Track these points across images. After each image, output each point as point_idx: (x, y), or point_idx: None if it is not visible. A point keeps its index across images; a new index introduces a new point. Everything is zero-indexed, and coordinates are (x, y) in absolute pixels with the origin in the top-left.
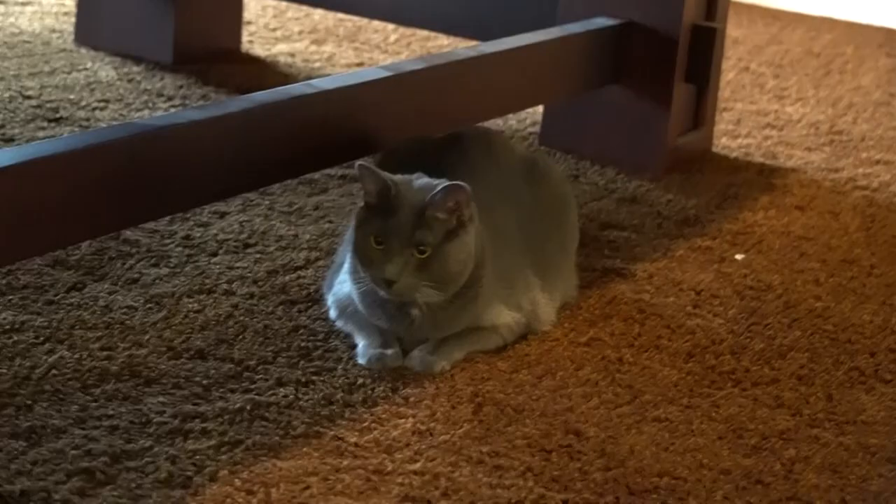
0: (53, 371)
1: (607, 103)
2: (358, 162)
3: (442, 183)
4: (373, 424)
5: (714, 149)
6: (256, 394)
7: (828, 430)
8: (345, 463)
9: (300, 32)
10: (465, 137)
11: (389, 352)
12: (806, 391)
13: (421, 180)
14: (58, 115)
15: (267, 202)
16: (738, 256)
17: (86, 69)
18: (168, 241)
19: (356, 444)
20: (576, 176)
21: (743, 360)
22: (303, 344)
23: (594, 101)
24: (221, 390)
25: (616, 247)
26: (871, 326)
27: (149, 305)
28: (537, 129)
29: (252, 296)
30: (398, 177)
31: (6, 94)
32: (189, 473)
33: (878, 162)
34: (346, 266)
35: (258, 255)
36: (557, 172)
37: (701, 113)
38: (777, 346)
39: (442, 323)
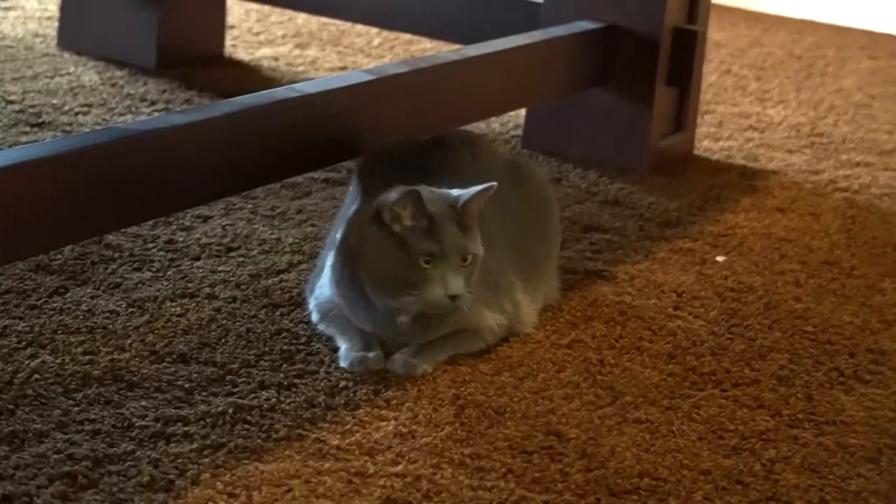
0: (36, 376)
1: (590, 106)
2: (403, 188)
3: (468, 190)
4: (355, 427)
5: (696, 151)
6: (239, 397)
7: (807, 430)
8: (327, 465)
9: (283, 36)
10: (448, 141)
11: (371, 354)
12: (786, 392)
13: (430, 191)
14: (40, 120)
15: (250, 206)
16: (720, 258)
17: (69, 74)
18: (151, 245)
19: (338, 447)
20: (558, 179)
21: (723, 361)
22: (285, 347)
23: (577, 103)
24: (204, 394)
25: (598, 249)
26: (850, 327)
27: (131, 310)
28: (520, 132)
29: (235, 299)
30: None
31: None
32: (171, 477)
33: (858, 164)
34: (328, 273)
35: (241, 259)
36: (540, 175)
37: (683, 116)
38: (757, 347)
39: (428, 327)
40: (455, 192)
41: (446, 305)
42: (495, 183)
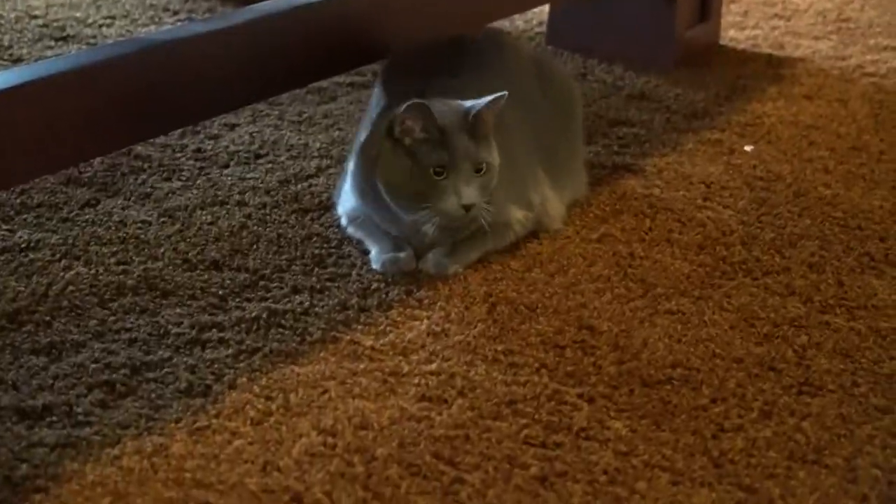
0: (71, 287)
1: (613, 0)
2: (413, 101)
3: (480, 101)
4: (388, 328)
5: (722, 41)
6: (272, 302)
7: (839, 315)
8: (361, 366)
9: None
10: (472, 39)
11: (403, 255)
12: (817, 278)
13: (443, 103)
14: (65, 34)
15: (276, 112)
16: (748, 148)
17: None
18: (179, 154)
19: (372, 348)
20: (584, 74)
21: (754, 249)
22: (316, 251)
23: None
24: (237, 300)
25: (626, 143)
26: (880, 212)
27: (162, 219)
28: (544, 28)
29: (265, 206)
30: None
31: (13, 15)
32: (208, 382)
33: (885, 48)
34: (350, 179)
35: (269, 166)
36: (564, 72)
37: (708, 5)
38: (787, 234)
39: (455, 231)
40: (468, 103)
41: (461, 216)
42: (506, 92)
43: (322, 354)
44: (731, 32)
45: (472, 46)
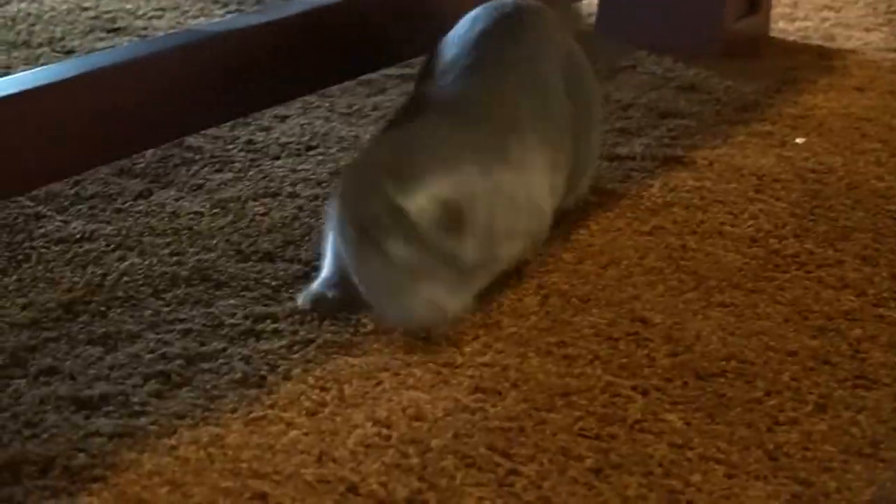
0: (125, 277)
1: None
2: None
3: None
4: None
5: (771, 33)
6: None
7: (893, 309)
8: (415, 358)
9: None
10: (510, 19)
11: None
12: (870, 271)
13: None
14: (116, 26)
15: (327, 104)
16: (799, 140)
17: None
18: (230, 146)
19: (425, 339)
20: (633, 66)
21: (807, 242)
22: None
23: None
24: (291, 291)
25: (675, 135)
26: None
27: (215, 210)
28: (593, 19)
29: (316, 197)
30: None
31: (64, 7)
32: (263, 373)
33: None
34: None
35: (321, 157)
36: (591, 72)
37: None
38: (840, 227)
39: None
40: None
41: None
42: None
43: (375, 346)
44: (781, 24)
45: (501, 33)
